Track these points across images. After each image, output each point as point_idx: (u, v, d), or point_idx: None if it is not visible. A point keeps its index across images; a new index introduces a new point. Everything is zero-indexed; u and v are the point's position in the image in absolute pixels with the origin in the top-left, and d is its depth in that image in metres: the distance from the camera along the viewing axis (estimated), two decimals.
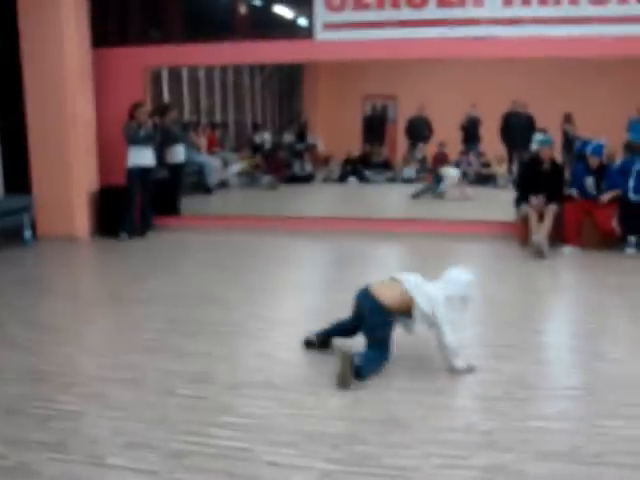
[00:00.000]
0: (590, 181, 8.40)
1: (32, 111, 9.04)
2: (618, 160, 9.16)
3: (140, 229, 9.37)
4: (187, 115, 13.91)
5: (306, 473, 3.20)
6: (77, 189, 9.25)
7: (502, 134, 14.43)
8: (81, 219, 9.32)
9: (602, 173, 8.43)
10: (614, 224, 8.10)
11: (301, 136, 16.62)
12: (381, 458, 3.33)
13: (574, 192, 8.47)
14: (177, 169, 10.43)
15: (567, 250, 8.14)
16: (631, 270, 7.40)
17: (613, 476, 3.15)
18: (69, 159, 9.12)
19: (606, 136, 8.96)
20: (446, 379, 4.36)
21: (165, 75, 12.32)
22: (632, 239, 7.96)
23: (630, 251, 7.94)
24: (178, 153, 10.35)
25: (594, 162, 8.42)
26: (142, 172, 9.22)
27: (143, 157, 9.20)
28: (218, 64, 12.66)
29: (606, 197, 8.25)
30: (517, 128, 14.03)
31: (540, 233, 8.00)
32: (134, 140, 9.09)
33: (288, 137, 16.65)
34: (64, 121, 9.03)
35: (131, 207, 9.21)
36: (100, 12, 9.65)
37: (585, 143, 8.78)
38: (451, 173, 13.07)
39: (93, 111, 9.51)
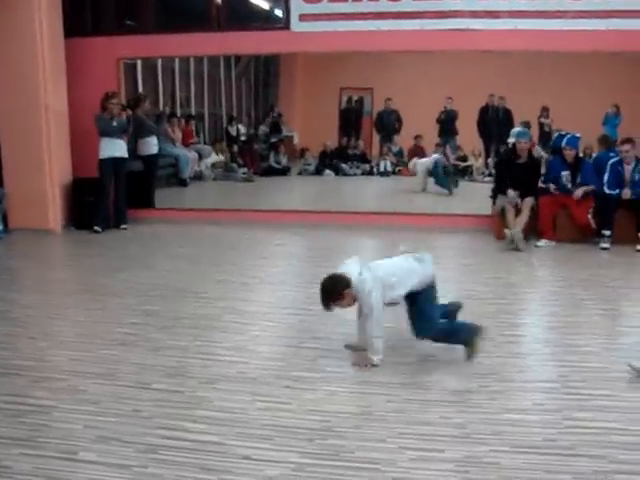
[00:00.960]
0: (566, 175, 8.44)
1: (3, 102, 8.89)
2: (594, 154, 9.21)
3: (114, 221, 9.29)
4: (162, 107, 13.79)
5: (280, 467, 3.19)
6: (50, 181, 9.12)
7: (479, 127, 14.50)
8: (54, 211, 9.19)
9: (578, 166, 8.47)
10: (589, 217, 8.16)
11: (275, 128, 16.58)
12: (355, 452, 3.33)
13: (551, 186, 8.50)
14: (150, 161, 10.33)
15: (542, 243, 8.18)
16: (604, 264, 7.46)
17: (586, 467, 3.17)
18: (41, 151, 8.99)
19: (583, 130, 9.00)
20: (421, 373, 4.37)
21: (140, 66, 12.20)
22: (606, 233, 8.01)
23: (604, 245, 7.99)
24: (151, 145, 10.25)
25: (570, 154, 8.46)
26: (115, 163, 9.14)
27: (115, 148, 9.12)
28: (193, 55, 12.57)
29: (579, 192, 8.30)
30: (494, 122, 14.10)
31: (516, 227, 8.04)
32: (106, 131, 9.00)
33: (264, 129, 16.60)
34: (36, 112, 8.89)
35: (104, 199, 9.12)
36: (73, 1, 9.53)
37: (561, 136, 8.82)
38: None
39: (66, 102, 9.39)
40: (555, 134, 9.41)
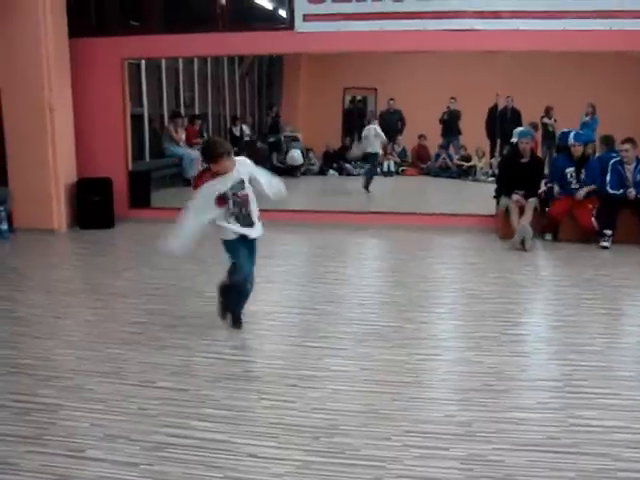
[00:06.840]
0: (571, 171, 8.42)
1: (8, 102, 8.91)
2: (597, 154, 9.18)
3: None
4: (166, 108, 13.81)
5: (285, 464, 3.21)
6: (55, 181, 9.14)
7: (487, 127, 14.48)
8: (58, 211, 9.22)
9: (582, 164, 8.44)
10: (593, 221, 8.15)
11: (275, 128, 16.57)
12: (360, 449, 3.35)
13: (556, 187, 8.50)
14: None
15: (548, 237, 8.19)
16: (606, 263, 7.47)
17: (590, 465, 3.18)
18: (46, 151, 8.99)
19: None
20: (425, 371, 4.39)
21: (144, 66, 12.21)
22: (607, 232, 8.01)
23: (604, 244, 7.99)
24: None
25: (578, 150, 8.43)
26: None
27: None
28: (197, 56, 12.57)
29: (582, 193, 8.30)
30: (502, 121, 14.07)
31: (525, 221, 8.05)
32: None
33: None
34: (41, 112, 8.91)
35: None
36: (78, 1, 9.54)
37: (565, 134, 8.79)
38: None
39: (70, 102, 9.40)
40: (560, 132, 9.35)
